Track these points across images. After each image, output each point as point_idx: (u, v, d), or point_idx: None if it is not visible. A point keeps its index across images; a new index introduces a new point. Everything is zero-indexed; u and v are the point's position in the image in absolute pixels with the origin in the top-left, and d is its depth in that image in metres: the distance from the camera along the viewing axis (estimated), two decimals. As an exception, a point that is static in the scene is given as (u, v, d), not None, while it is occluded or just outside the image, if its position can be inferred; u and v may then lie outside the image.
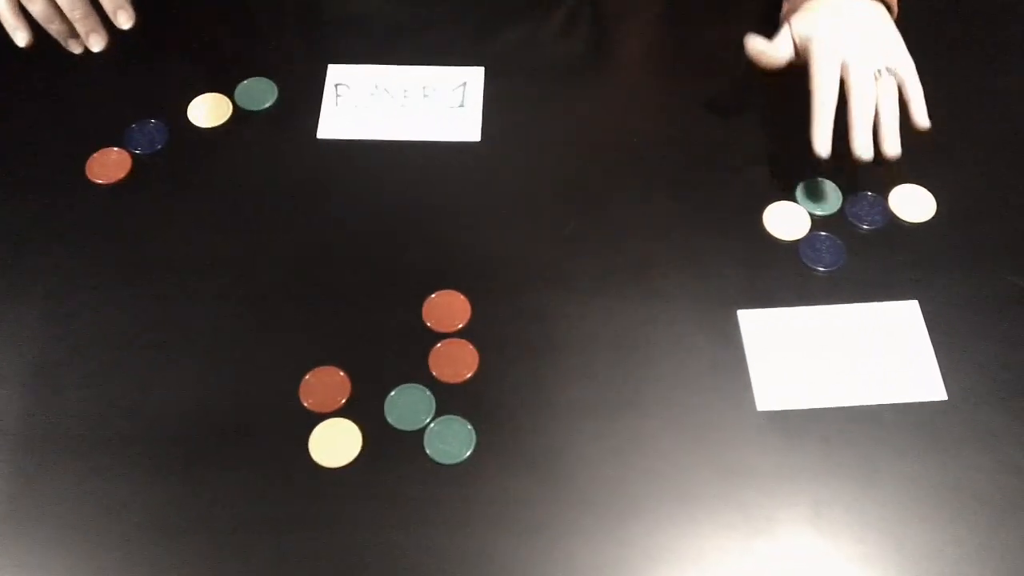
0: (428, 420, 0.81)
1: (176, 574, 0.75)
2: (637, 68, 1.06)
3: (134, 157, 0.96)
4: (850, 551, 0.76)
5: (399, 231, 0.91)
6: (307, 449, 0.79)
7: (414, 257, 0.90)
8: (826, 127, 0.89)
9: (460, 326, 0.86)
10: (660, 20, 1.08)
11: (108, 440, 0.80)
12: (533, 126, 0.99)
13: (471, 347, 0.84)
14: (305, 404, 0.81)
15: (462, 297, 0.87)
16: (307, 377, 0.83)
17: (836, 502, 0.77)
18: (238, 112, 0.99)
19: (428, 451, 0.79)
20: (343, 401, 0.82)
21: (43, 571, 0.75)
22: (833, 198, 0.93)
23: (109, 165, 0.95)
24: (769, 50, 0.94)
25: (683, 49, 1.06)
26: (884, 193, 0.93)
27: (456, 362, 0.84)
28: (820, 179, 0.94)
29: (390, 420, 0.81)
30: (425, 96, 1.00)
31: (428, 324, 0.86)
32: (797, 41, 0.93)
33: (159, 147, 0.96)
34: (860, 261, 0.89)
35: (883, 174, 0.94)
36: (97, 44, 0.95)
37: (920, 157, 0.96)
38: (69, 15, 0.92)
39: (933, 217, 0.92)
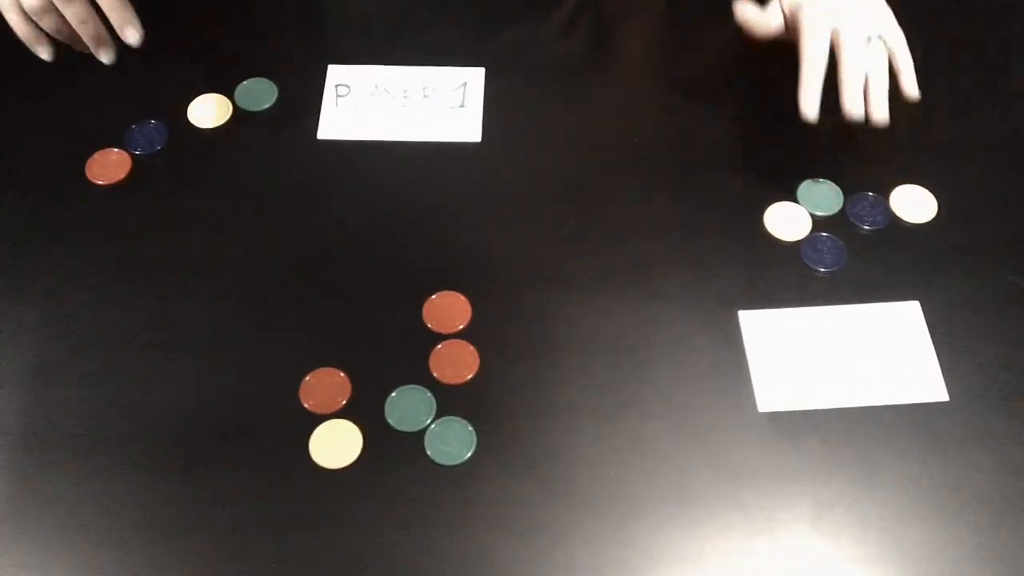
0: (429, 421, 0.81)
1: (176, 574, 0.75)
2: (638, 68, 1.06)
3: (134, 158, 0.96)
4: (851, 552, 0.75)
5: (400, 232, 0.91)
6: (307, 450, 0.79)
7: (415, 258, 0.90)
8: (814, 89, 0.88)
9: (460, 327, 0.85)
10: (660, 20, 1.08)
11: (108, 440, 0.80)
12: (534, 126, 0.99)
13: (471, 348, 0.84)
14: (306, 405, 0.81)
15: (463, 298, 0.87)
16: (308, 378, 0.83)
17: (837, 503, 0.77)
18: (238, 113, 0.99)
19: (429, 452, 0.79)
20: (343, 402, 0.82)
21: (43, 571, 0.75)
22: (834, 199, 0.93)
23: (109, 166, 0.95)
24: (758, 18, 0.93)
25: (684, 49, 1.06)
26: (885, 194, 0.93)
27: (456, 363, 0.84)
28: (821, 180, 0.94)
29: (390, 421, 0.81)
30: (425, 96, 1.00)
31: (428, 325, 0.86)
32: (786, 10, 0.92)
33: (159, 148, 0.96)
34: (861, 262, 0.89)
35: (883, 173, 0.94)
36: (106, 56, 0.94)
37: (921, 158, 0.96)
38: (77, 29, 0.91)
39: (934, 218, 0.92)
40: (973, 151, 0.97)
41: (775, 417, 0.81)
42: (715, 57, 1.04)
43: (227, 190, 0.94)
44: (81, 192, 0.94)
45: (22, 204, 0.93)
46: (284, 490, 0.78)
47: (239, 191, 0.94)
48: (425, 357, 0.84)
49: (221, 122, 0.98)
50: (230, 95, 1.00)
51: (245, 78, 1.01)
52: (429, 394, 0.82)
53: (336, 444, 0.80)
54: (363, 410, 0.81)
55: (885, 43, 0.89)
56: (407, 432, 0.80)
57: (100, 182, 0.94)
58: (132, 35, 0.92)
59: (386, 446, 0.80)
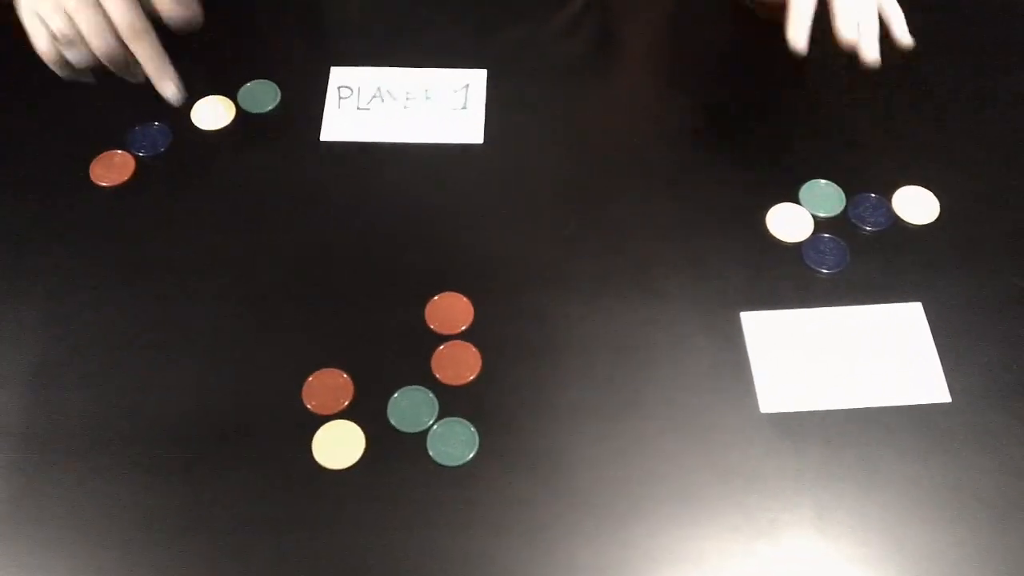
0: (431, 422, 0.81)
1: (176, 574, 0.75)
2: (639, 69, 1.06)
3: (137, 159, 0.96)
4: (852, 553, 0.75)
5: (402, 233, 0.92)
6: (310, 451, 0.79)
7: (417, 259, 0.90)
8: (803, 23, 0.85)
9: (463, 328, 0.86)
10: (662, 21, 1.08)
11: (108, 440, 0.80)
12: (536, 128, 0.99)
13: (473, 349, 0.84)
14: (308, 406, 0.81)
15: (464, 299, 0.87)
16: (310, 379, 0.83)
17: (839, 504, 0.77)
18: (241, 114, 0.99)
19: (431, 453, 0.79)
20: (346, 403, 0.82)
21: (43, 571, 0.75)
22: (836, 200, 0.93)
23: (112, 167, 0.95)
24: None
25: (686, 50, 1.06)
26: (887, 195, 0.93)
27: (458, 364, 0.84)
28: (823, 180, 0.94)
29: (393, 422, 0.81)
30: (428, 98, 1.00)
31: (431, 326, 0.86)
32: None
33: (162, 149, 0.96)
34: (863, 263, 0.89)
35: (885, 175, 0.94)
36: (132, 78, 0.93)
37: (923, 159, 0.96)
38: (108, 65, 0.90)
39: (936, 219, 0.92)
40: (975, 152, 0.97)
41: (777, 418, 0.81)
42: (717, 58, 1.04)
43: (230, 192, 0.94)
44: (84, 193, 0.94)
45: (26, 205, 0.93)
46: (285, 491, 0.78)
47: (242, 193, 0.94)
48: (427, 358, 0.84)
49: (224, 124, 0.98)
50: (233, 97, 1.00)
51: (248, 80, 1.01)
52: (431, 395, 0.82)
53: (338, 445, 0.80)
54: (365, 411, 0.81)
55: None
56: (409, 433, 0.80)
57: (103, 183, 0.94)
58: (170, 90, 0.90)
59: (388, 447, 0.80)
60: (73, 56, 0.88)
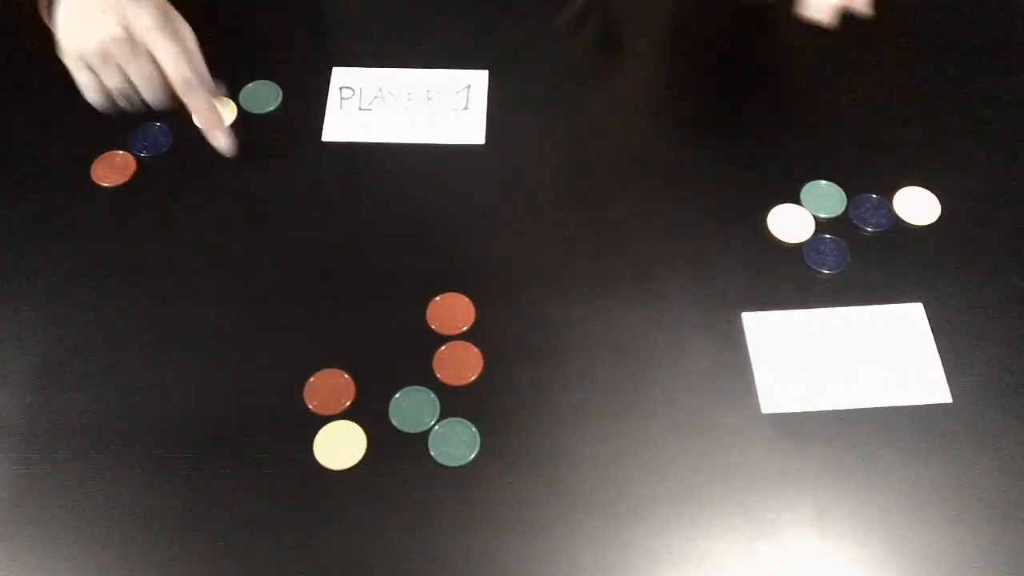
0: (432, 423, 0.81)
1: (176, 574, 0.75)
2: (641, 70, 1.06)
3: (139, 160, 0.96)
4: (853, 554, 0.75)
5: (403, 233, 0.92)
6: (311, 451, 0.80)
7: (418, 259, 0.90)
8: None
9: (464, 328, 0.86)
10: (663, 21, 1.08)
11: (109, 440, 0.80)
12: (537, 128, 0.99)
13: (475, 350, 0.84)
14: (310, 406, 0.82)
15: (466, 299, 0.87)
16: (311, 379, 0.83)
17: (840, 505, 0.77)
18: (243, 115, 0.99)
19: (432, 453, 0.79)
20: (347, 404, 0.82)
21: (43, 571, 0.75)
22: (837, 200, 0.93)
23: (114, 168, 0.96)
24: None
25: (686, 51, 1.06)
26: (888, 195, 0.93)
27: (460, 364, 0.84)
28: (824, 181, 0.94)
29: (394, 422, 0.81)
30: (429, 99, 1.00)
31: (432, 326, 0.86)
32: None
33: (163, 150, 0.97)
34: (864, 264, 0.89)
35: (887, 175, 0.94)
36: (222, 141, 0.93)
37: (924, 159, 0.96)
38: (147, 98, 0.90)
39: (937, 220, 0.92)
40: (976, 153, 0.97)
41: (778, 419, 0.81)
42: (718, 58, 1.04)
43: (231, 192, 0.94)
44: (86, 194, 0.94)
45: (27, 205, 0.93)
46: (286, 491, 0.78)
47: (243, 193, 0.94)
48: (429, 358, 0.84)
49: (226, 124, 0.98)
50: (235, 97, 1.00)
51: (250, 81, 1.01)
52: (433, 395, 0.82)
53: (340, 445, 0.80)
54: (367, 411, 0.81)
55: None
56: (410, 433, 0.80)
57: (105, 184, 0.95)
58: (222, 140, 0.89)
59: (390, 447, 0.80)
60: (123, 104, 0.89)
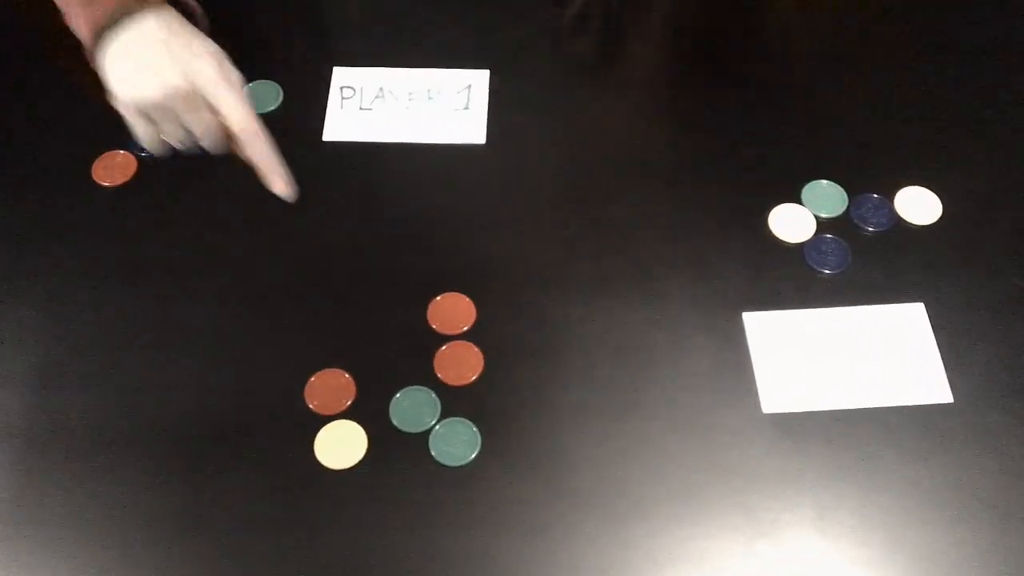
0: (433, 422, 0.81)
1: (176, 574, 0.75)
2: (642, 70, 1.06)
3: (139, 160, 0.96)
4: (854, 554, 0.75)
5: (404, 233, 0.92)
6: (312, 451, 0.80)
7: (419, 259, 0.90)
8: None
9: (465, 328, 0.86)
10: (663, 22, 1.08)
11: (109, 440, 0.80)
12: (538, 128, 0.99)
13: (476, 349, 0.84)
14: (311, 406, 0.82)
15: (467, 299, 0.87)
16: (312, 379, 0.83)
17: (840, 504, 0.77)
18: (244, 114, 0.99)
19: (433, 453, 0.79)
20: (348, 403, 0.82)
21: (43, 571, 0.75)
22: (838, 200, 0.93)
23: (114, 168, 0.96)
24: None
25: (688, 51, 1.06)
26: (889, 195, 0.93)
27: (461, 364, 0.84)
28: (825, 181, 0.94)
29: (395, 422, 0.81)
30: (430, 98, 1.00)
31: (433, 326, 0.86)
32: None
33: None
34: (865, 263, 0.89)
35: (888, 175, 0.94)
36: (217, 151, 0.92)
37: (925, 159, 0.96)
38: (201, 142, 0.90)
39: (939, 219, 0.92)
40: (978, 153, 0.96)
41: (779, 418, 0.81)
42: (718, 58, 1.04)
43: (232, 192, 0.94)
44: (86, 194, 0.94)
45: (28, 205, 0.93)
46: (287, 491, 0.78)
47: (244, 193, 0.94)
48: (429, 358, 0.84)
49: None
50: (236, 97, 1.00)
51: (250, 80, 1.00)
52: (434, 395, 0.82)
53: (340, 445, 0.80)
54: (367, 411, 0.81)
55: None
56: (411, 433, 0.80)
57: (105, 184, 0.95)
58: (281, 187, 0.89)
59: (390, 447, 0.80)
60: (181, 150, 0.89)
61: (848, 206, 0.92)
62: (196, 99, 0.86)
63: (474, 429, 0.80)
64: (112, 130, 0.97)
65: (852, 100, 1.00)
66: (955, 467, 0.79)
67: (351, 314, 0.87)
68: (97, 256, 0.90)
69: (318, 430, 0.80)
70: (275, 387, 0.83)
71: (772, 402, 0.82)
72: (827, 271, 0.89)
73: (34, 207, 0.93)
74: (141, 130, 0.88)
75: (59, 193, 0.94)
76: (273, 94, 1.00)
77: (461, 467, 0.79)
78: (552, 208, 0.93)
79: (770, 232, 0.91)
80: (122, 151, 0.96)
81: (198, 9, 0.90)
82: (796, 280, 0.88)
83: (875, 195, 0.93)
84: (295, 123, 0.99)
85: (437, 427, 0.81)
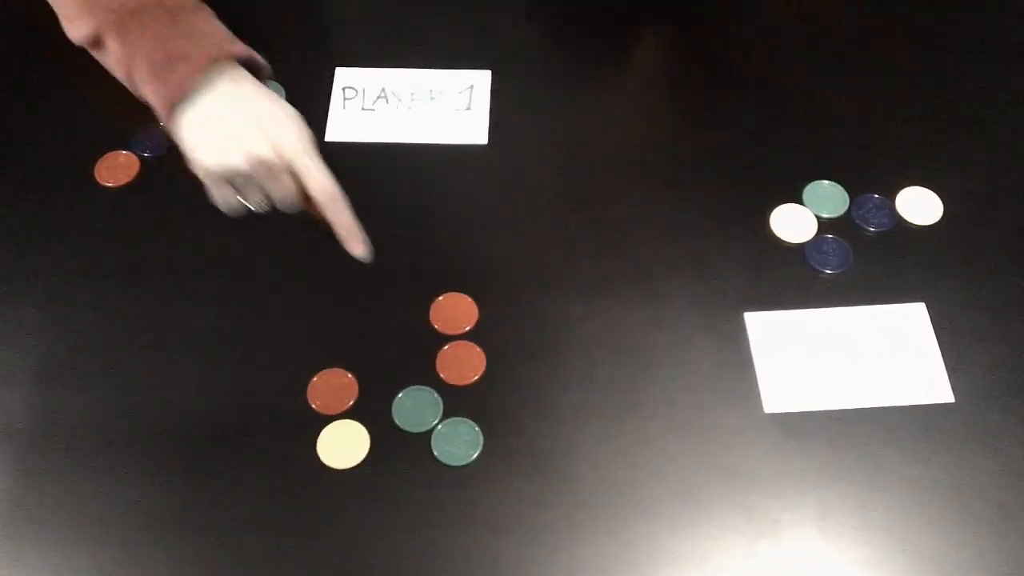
0: (435, 422, 0.81)
1: (177, 574, 0.75)
2: (643, 70, 1.06)
3: (142, 160, 0.96)
4: (855, 554, 0.75)
5: (406, 233, 0.92)
6: (314, 451, 0.80)
7: (421, 259, 0.90)
8: None
9: (467, 328, 0.86)
10: (666, 24, 1.08)
11: (110, 440, 0.81)
12: (540, 128, 0.99)
13: (478, 349, 0.85)
14: (312, 406, 0.82)
15: (469, 299, 0.87)
16: (314, 379, 0.83)
17: (842, 505, 0.77)
18: (245, 115, 0.99)
19: (435, 453, 0.79)
20: (350, 403, 0.82)
21: (44, 571, 0.75)
22: (839, 200, 0.93)
23: (117, 168, 0.96)
24: None
25: (690, 52, 1.06)
26: (891, 195, 0.93)
27: (463, 364, 0.84)
28: (826, 181, 0.94)
29: (398, 422, 0.81)
30: (432, 99, 1.00)
31: (435, 326, 0.86)
32: None
33: (166, 150, 0.96)
34: (867, 263, 0.89)
35: (889, 175, 0.94)
36: (359, 250, 0.89)
37: (927, 160, 0.96)
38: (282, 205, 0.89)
39: (940, 220, 0.92)
40: (978, 153, 0.97)
41: (780, 418, 0.81)
42: (720, 59, 1.04)
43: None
44: (89, 194, 0.94)
45: (31, 205, 0.93)
46: (287, 491, 0.78)
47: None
48: (432, 358, 0.84)
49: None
50: (237, 98, 1.00)
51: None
52: (436, 395, 0.82)
53: (343, 444, 0.80)
54: (370, 411, 0.82)
55: None
56: (414, 433, 0.81)
57: (108, 184, 0.95)
58: (360, 249, 0.88)
59: (393, 447, 0.80)
60: (255, 211, 0.89)
61: (849, 206, 0.92)
62: (281, 167, 0.85)
63: (476, 429, 0.80)
64: (114, 130, 0.97)
65: (852, 100, 1.00)
66: (956, 467, 0.79)
67: (353, 314, 0.87)
68: (98, 256, 0.90)
69: (320, 430, 0.81)
70: (277, 387, 0.83)
71: (774, 402, 0.82)
72: (828, 271, 0.89)
73: (35, 207, 0.93)
74: (219, 194, 0.87)
75: (60, 193, 0.94)
76: (276, 94, 1.00)
77: (463, 467, 0.79)
78: (553, 208, 0.93)
79: (771, 232, 0.91)
80: (124, 151, 0.96)
81: (263, 61, 0.89)
82: (797, 280, 0.89)
83: (876, 195, 0.93)
84: (297, 123, 0.99)
85: (439, 427, 0.81)
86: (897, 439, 0.80)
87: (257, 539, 0.76)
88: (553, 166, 0.96)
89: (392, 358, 0.84)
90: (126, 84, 0.89)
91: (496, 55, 1.03)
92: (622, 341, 0.85)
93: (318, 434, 0.80)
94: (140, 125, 0.97)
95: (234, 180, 0.86)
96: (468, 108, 0.99)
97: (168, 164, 0.96)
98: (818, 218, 0.92)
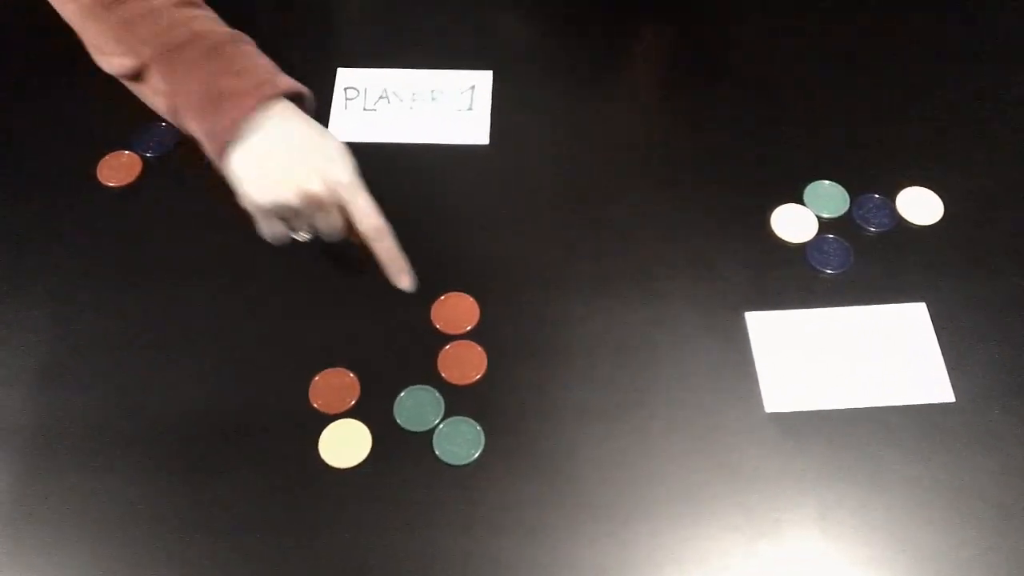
0: (437, 421, 0.81)
1: (178, 573, 0.75)
2: (644, 71, 1.06)
3: (144, 160, 0.96)
4: (856, 554, 0.76)
5: (408, 233, 0.91)
6: (316, 450, 0.80)
7: (423, 259, 0.90)
8: None
9: (468, 328, 0.86)
10: (666, 23, 1.08)
11: (111, 440, 0.81)
12: (541, 129, 0.99)
13: (479, 349, 0.85)
14: (315, 405, 0.82)
15: (470, 299, 0.87)
16: (316, 379, 0.83)
17: (842, 504, 0.78)
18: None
19: (437, 452, 0.80)
20: (352, 403, 0.82)
21: (45, 571, 0.75)
22: (840, 200, 0.93)
23: (119, 168, 0.96)
24: None
25: (690, 52, 1.06)
26: (891, 195, 0.93)
27: (464, 364, 0.84)
28: (827, 181, 0.94)
29: (399, 421, 0.81)
30: (434, 99, 1.00)
31: (437, 326, 0.86)
32: None
33: (169, 150, 0.97)
34: (867, 263, 0.89)
35: (889, 175, 0.94)
36: (405, 283, 0.89)
37: (927, 160, 0.96)
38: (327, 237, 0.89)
39: (940, 219, 0.92)
40: (979, 153, 0.97)
41: (781, 418, 0.81)
42: (721, 59, 1.04)
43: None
44: (91, 194, 0.94)
45: (33, 205, 0.93)
46: (287, 491, 0.78)
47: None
48: (433, 358, 0.84)
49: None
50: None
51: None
52: (437, 394, 0.82)
53: (345, 444, 0.80)
54: (371, 410, 0.82)
55: None
56: (415, 432, 0.81)
57: (111, 184, 0.95)
58: (406, 282, 0.87)
59: (394, 446, 0.80)
60: (300, 241, 0.88)
61: (850, 206, 0.93)
62: (331, 202, 0.84)
63: (478, 428, 0.81)
64: (117, 130, 0.97)
65: (852, 100, 1.00)
66: (957, 467, 0.79)
67: (355, 313, 0.87)
68: (99, 256, 0.90)
69: (322, 429, 0.81)
70: (278, 386, 0.83)
71: (774, 402, 0.82)
72: (829, 271, 0.89)
73: (37, 207, 0.93)
74: (267, 227, 0.86)
75: (62, 193, 0.94)
76: (276, 94, 1.00)
77: (465, 466, 0.79)
78: (554, 208, 0.94)
79: (772, 232, 0.91)
80: (127, 151, 0.97)
81: (308, 93, 0.89)
82: (798, 280, 0.89)
83: (876, 195, 0.93)
84: (298, 123, 0.99)
85: (441, 426, 0.81)
86: (897, 439, 0.80)
87: (258, 539, 0.77)
88: (554, 166, 0.96)
89: (394, 358, 0.84)
90: (166, 117, 0.88)
91: (497, 55, 1.03)
92: (623, 341, 0.85)
93: (319, 433, 0.81)
94: (142, 125, 0.97)
95: (283, 214, 0.85)
96: (469, 108, 1.00)
97: (170, 165, 0.96)
98: (819, 218, 0.92)
